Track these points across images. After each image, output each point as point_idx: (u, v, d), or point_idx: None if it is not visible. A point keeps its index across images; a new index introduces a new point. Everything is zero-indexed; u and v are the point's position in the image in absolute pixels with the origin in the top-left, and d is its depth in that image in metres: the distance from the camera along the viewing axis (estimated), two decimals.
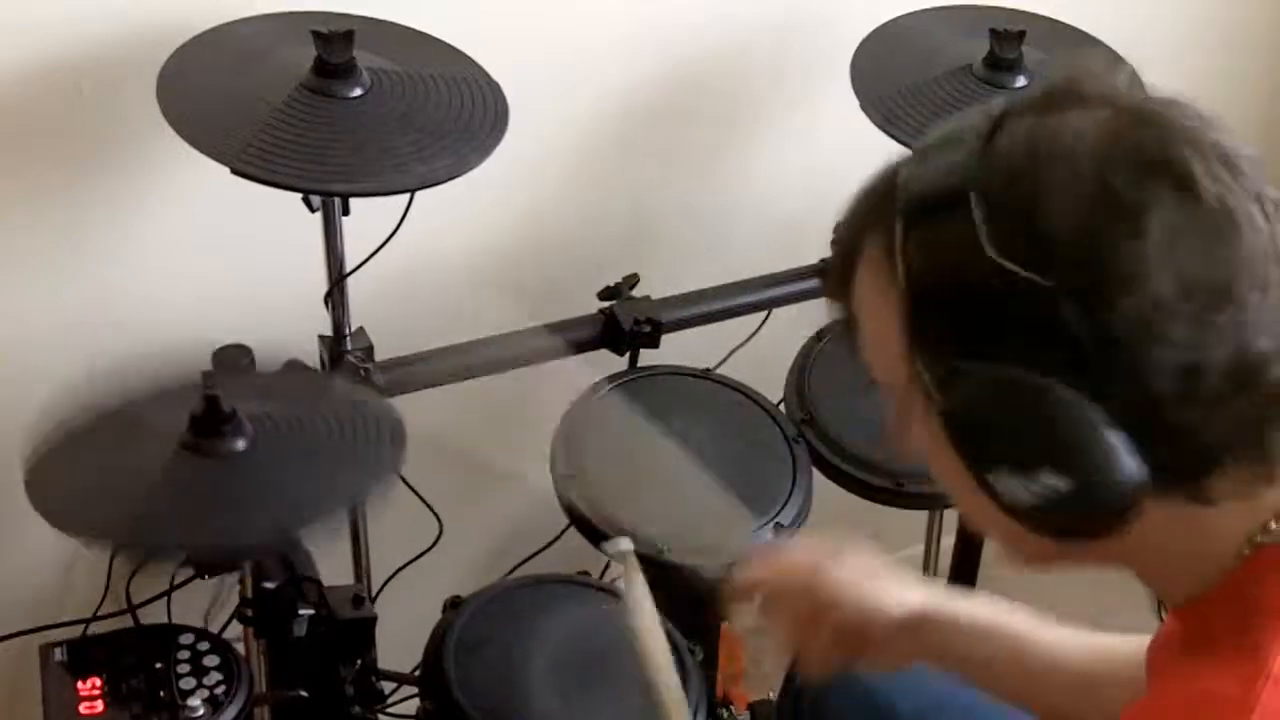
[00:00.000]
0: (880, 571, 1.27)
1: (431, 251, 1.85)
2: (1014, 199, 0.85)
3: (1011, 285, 0.83)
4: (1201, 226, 0.83)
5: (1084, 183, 0.83)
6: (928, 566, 2.21)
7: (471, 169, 1.50)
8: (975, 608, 1.26)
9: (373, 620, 1.55)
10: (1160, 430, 0.84)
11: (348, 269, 1.64)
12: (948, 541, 2.20)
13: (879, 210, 0.93)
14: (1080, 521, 0.89)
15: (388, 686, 1.69)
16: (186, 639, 1.48)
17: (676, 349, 1.84)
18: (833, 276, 0.99)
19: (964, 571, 2.20)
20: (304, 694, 1.55)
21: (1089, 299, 0.82)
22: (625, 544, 1.38)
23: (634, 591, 1.33)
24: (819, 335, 1.88)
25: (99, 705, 1.42)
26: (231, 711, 1.42)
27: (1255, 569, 0.90)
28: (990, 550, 2.23)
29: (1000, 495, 0.89)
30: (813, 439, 1.76)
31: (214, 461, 1.38)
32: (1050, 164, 0.85)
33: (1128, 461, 0.84)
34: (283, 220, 1.57)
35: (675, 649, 1.55)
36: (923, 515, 2.18)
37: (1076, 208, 0.83)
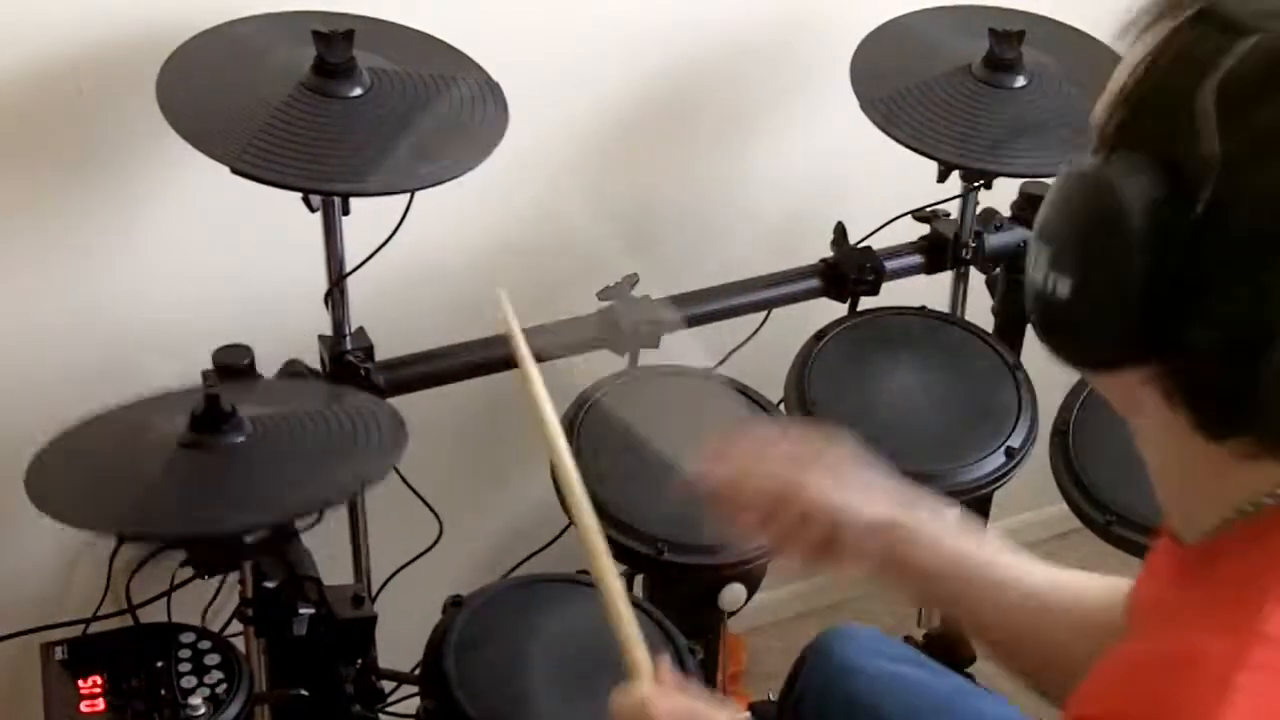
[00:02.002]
0: (856, 474, 1.26)
1: (431, 251, 1.85)
2: None
3: None
4: None
5: None
6: None
7: (471, 169, 1.51)
8: (943, 525, 1.25)
9: (373, 620, 1.56)
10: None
11: (348, 269, 1.64)
12: None
13: None
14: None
15: (388, 686, 1.69)
16: (187, 638, 1.48)
17: (676, 349, 1.84)
18: None
19: None
20: (304, 693, 1.55)
21: None
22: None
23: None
24: (819, 335, 1.88)
25: (100, 704, 1.42)
26: (232, 710, 1.42)
27: (1261, 526, 0.90)
28: None
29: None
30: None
31: (213, 455, 1.38)
32: None
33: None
34: (283, 220, 1.57)
35: (675, 649, 1.56)
36: None
37: None
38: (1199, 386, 0.86)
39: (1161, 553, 1.02)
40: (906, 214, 1.98)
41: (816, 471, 1.26)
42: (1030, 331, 2.10)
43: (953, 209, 1.96)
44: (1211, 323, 0.82)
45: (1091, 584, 1.23)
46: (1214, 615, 0.88)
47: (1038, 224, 0.91)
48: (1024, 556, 1.26)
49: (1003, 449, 1.77)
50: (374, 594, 1.86)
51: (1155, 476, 0.98)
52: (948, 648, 2.16)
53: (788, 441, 1.28)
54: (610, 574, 1.22)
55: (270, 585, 1.51)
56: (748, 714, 1.22)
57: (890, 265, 1.93)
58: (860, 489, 1.26)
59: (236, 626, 1.59)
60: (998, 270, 2.03)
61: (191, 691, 1.43)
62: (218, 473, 1.38)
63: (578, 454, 1.67)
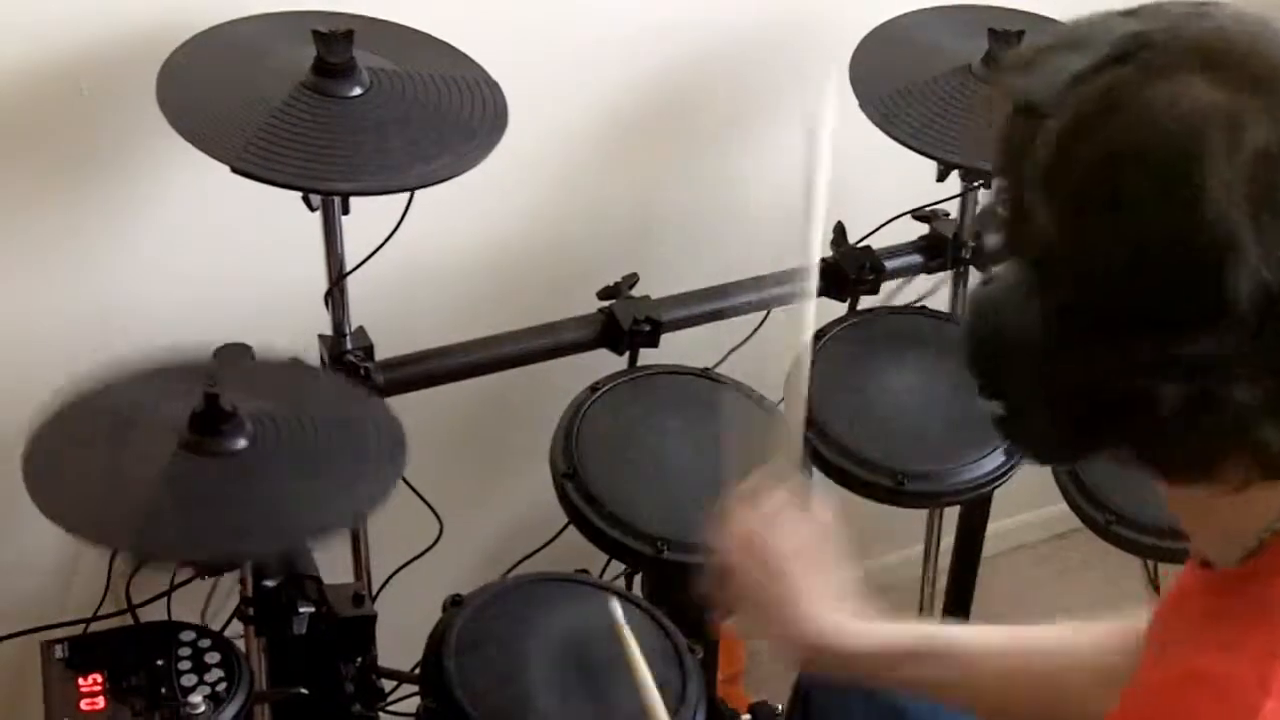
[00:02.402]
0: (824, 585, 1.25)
1: (431, 251, 1.85)
2: None
3: None
4: None
5: None
6: (927, 566, 2.21)
7: (471, 169, 1.51)
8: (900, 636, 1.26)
9: (373, 618, 1.56)
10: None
11: (348, 269, 1.65)
12: (947, 541, 2.20)
13: None
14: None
15: (388, 685, 1.69)
16: (187, 636, 1.48)
17: (676, 349, 1.84)
18: None
19: (964, 571, 2.21)
20: (304, 692, 1.55)
21: None
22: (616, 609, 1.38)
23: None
24: (819, 335, 1.88)
25: (100, 702, 1.42)
26: (232, 709, 1.42)
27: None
28: (990, 549, 2.24)
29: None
30: (813, 439, 1.76)
31: (214, 461, 1.39)
32: None
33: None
34: (283, 220, 1.57)
35: (675, 649, 1.56)
36: (922, 515, 2.18)
37: None
38: (1143, 450, 0.89)
39: (1190, 574, 1.03)
40: (906, 214, 1.98)
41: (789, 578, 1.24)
42: None
43: (952, 209, 1.96)
44: (1107, 393, 0.86)
45: (1040, 634, 1.24)
46: (1241, 638, 0.88)
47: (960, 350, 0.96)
48: (976, 628, 1.28)
49: (1002, 449, 1.77)
50: (374, 593, 1.86)
51: (1176, 516, 0.99)
52: None
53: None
54: None
55: (270, 584, 1.51)
56: None
57: (890, 265, 1.93)
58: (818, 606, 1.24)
59: (236, 626, 1.59)
60: None
61: (191, 690, 1.43)
62: (217, 492, 1.38)
63: (578, 453, 1.68)
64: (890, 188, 1.94)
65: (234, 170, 1.43)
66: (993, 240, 0.91)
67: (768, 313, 1.92)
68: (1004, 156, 0.89)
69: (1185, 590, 1.04)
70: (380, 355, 1.70)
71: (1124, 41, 0.85)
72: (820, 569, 1.23)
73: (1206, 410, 0.83)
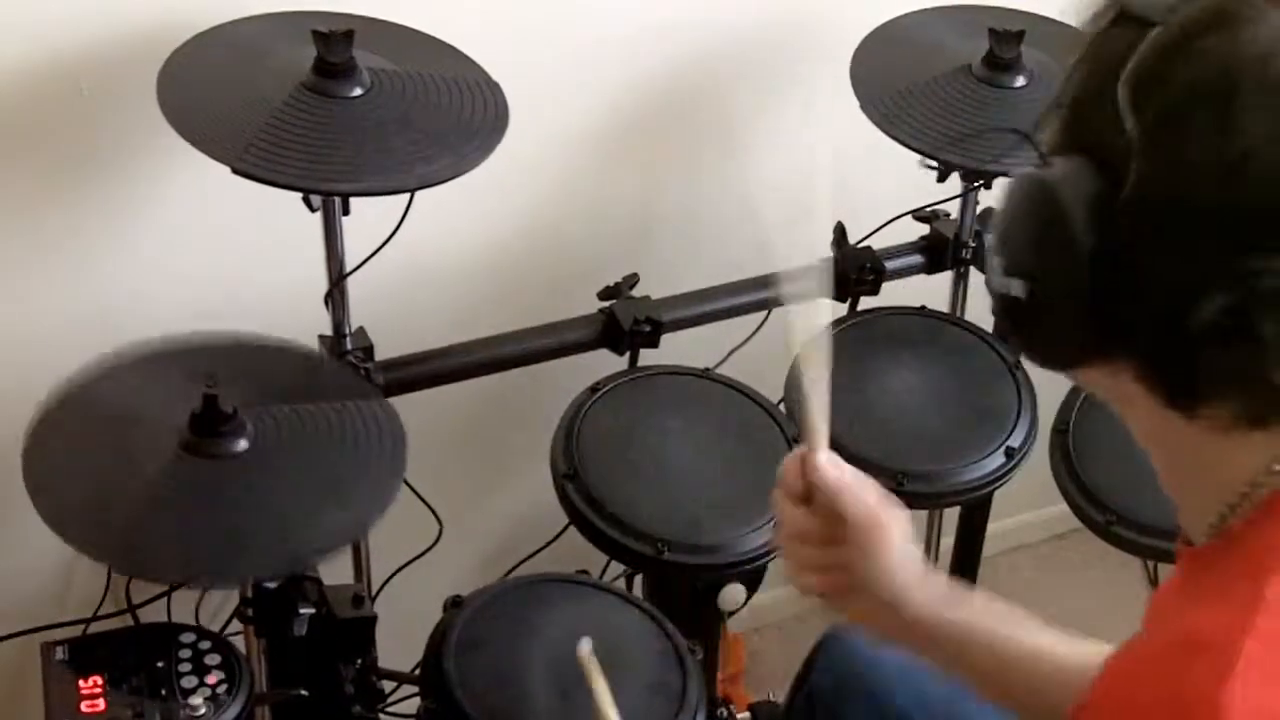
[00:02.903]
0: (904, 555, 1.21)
1: (431, 251, 1.85)
2: None
3: None
4: None
5: None
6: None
7: (471, 169, 1.51)
8: (974, 607, 1.23)
9: (373, 619, 1.56)
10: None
11: (348, 269, 1.65)
12: (947, 541, 2.20)
13: None
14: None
15: (388, 686, 1.69)
16: (188, 638, 1.48)
17: (676, 349, 1.84)
18: None
19: (964, 571, 2.21)
20: (304, 693, 1.55)
21: None
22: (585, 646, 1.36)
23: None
24: None
25: (100, 703, 1.42)
26: (232, 710, 1.42)
27: (1262, 511, 0.91)
28: (990, 549, 2.24)
29: None
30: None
31: (214, 465, 1.39)
32: None
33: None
34: (283, 220, 1.57)
35: (675, 649, 1.56)
36: (922, 515, 2.18)
37: None
38: (1154, 361, 0.89)
39: (1180, 559, 1.03)
40: (906, 214, 1.98)
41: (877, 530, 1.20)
42: None
43: (953, 209, 1.96)
44: (1148, 295, 0.86)
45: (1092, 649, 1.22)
46: (1223, 598, 0.88)
47: (990, 235, 0.96)
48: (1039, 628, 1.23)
49: (1003, 449, 1.77)
50: (374, 594, 1.86)
51: (1159, 472, 0.99)
52: None
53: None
54: None
55: (270, 585, 1.51)
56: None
57: (890, 265, 1.93)
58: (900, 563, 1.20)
59: (236, 626, 1.59)
60: None
61: (192, 691, 1.43)
62: (217, 499, 1.39)
63: (578, 454, 1.68)
64: (890, 188, 1.94)
65: (234, 171, 1.42)
66: (1052, 132, 0.92)
67: (768, 313, 1.92)
68: (1092, 59, 0.89)
69: (1174, 576, 1.05)
70: (380, 355, 1.70)
71: None
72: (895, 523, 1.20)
73: (1236, 334, 0.83)
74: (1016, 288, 0.92)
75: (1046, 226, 0.89)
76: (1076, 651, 1.19)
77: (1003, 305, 0.94)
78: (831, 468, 1.17)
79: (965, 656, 1.21)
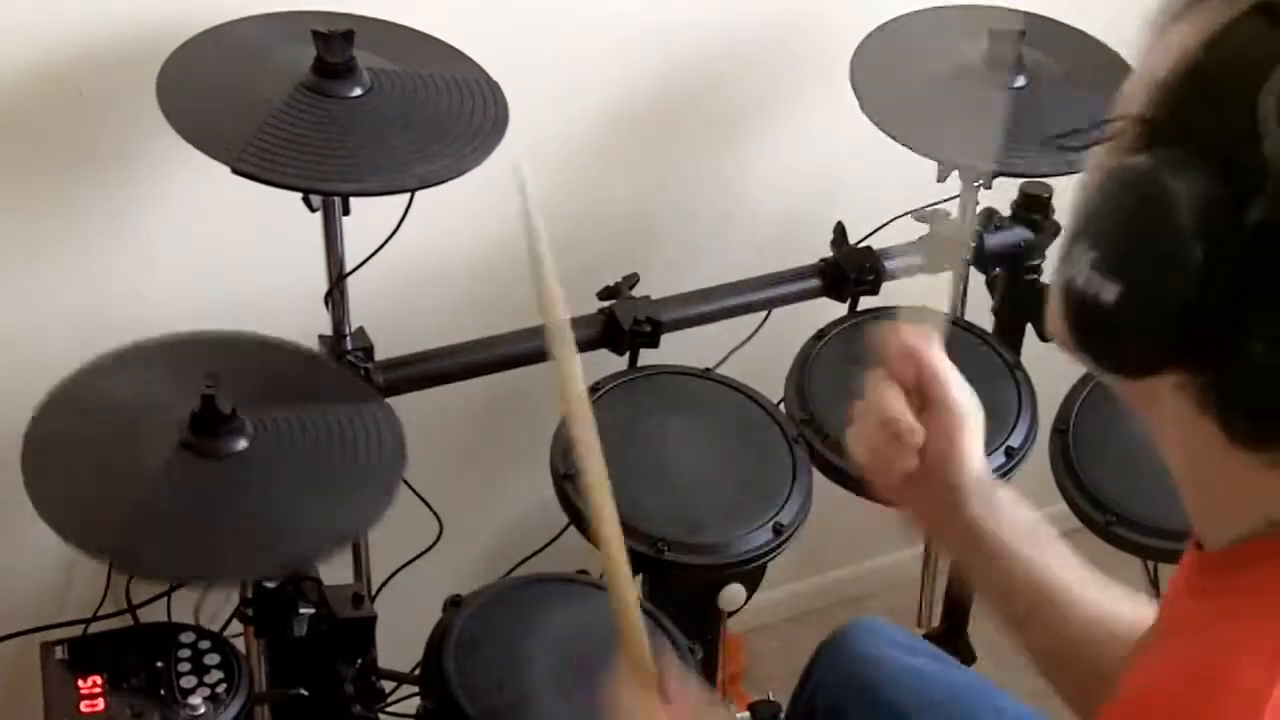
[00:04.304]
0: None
1: (431, 251, 1.85)
2: None
3: None
4: None
5: None
6: (927, 566, 2.21)
7: (471, 169, 1.51)
8: (1022, 524, 1.22)
9: (373, 619, 1.56)
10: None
11: (348, 269, 1.65)
12: None
13: None
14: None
15: (388, 686, 1.69)
16: (187, 638, 1.48)
17: (676, 349, 1.84)
18: None
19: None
20: (304, 693, 1.55)
21: None
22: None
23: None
24: (819, 335, 1.88)
25: (100, 703, 1.42)
26: (232, 710, 1.42)
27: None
28: None
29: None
30: (813, 439, 1.76)
31: (213, 464, 1.39)
32: None
33: None
34: (283, 220, 1.57)
35: (675, 649, 1.56)
36: None
37: None
38: (1238, 396, 0.84)
39: (1189, 558, 1.01)
40: (906, 214, 1.98)
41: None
42: (1030, 331, 2.11)
43: (953, 209, 1.96)
44: (1261, 333, 0.81)
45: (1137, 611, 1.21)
46: (1245, 629, 0.86)
47: (1075, 223, 0.88)
48: (1081, 571, 1.22)
49: (1003, 449, 1.77)
50: (374, 594, 1.86)
51: (1179, 480, 0.95)
52: (948, 647, 2.16)
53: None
54: (618, 549, 1.19)
55: (270, 585, 1.51)
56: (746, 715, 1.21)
57: (890, 265, 1.93)
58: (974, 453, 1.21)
59: (236, 626, 1.59)
60: (997, 270, 2.03)
61: (191, 691, 1.43)
62: (216, 498, 1.38)
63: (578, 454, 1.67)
64: (890, 188, 1.94)
65: (234, 171, 1.43)
66: (1154, 125, 0.84)
67: (768, 313, 1.92)
68: (1222, 49, 0.82)
69: (1184, 575, 1.03)
70: (380, 355, 1.70)
71: None
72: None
73: None
74: (1105, 288, 0.85)
75: (1155, 229, 0.82)
76: (1122, 620, 1.18)
77: (1078, 304, 0.87)
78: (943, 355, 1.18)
79: (1007, 581, 1.21)
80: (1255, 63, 0.80)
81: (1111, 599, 1.21)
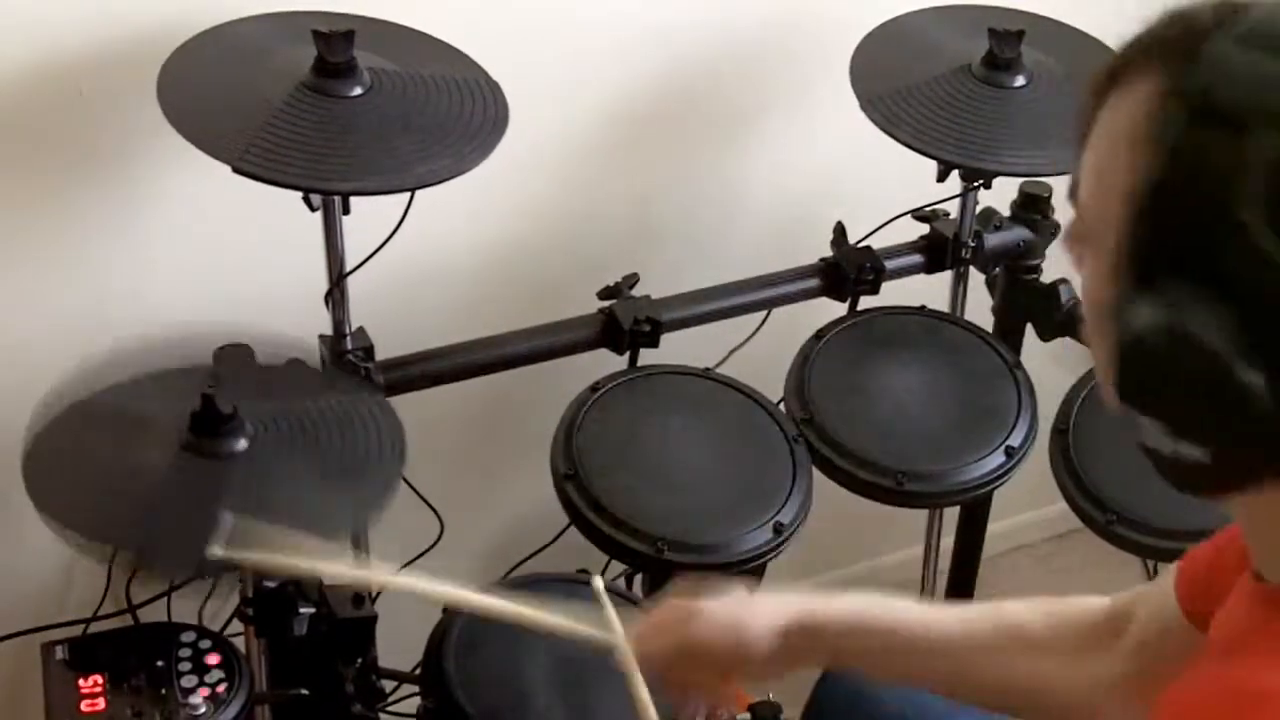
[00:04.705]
0: (744, 599, 1.27)
1: (431, 251, 1.85)
2: None
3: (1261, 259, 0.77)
4: None
5: None
6: (927, 566, 2.21)
7: (471, 169, 1.51)
8: (843, 604, 1.26)
9: (373, 619, 1.56)
10: None
11: (348, 269, 1.65)
12: (947, 541, 2.20)
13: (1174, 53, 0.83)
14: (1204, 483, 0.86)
15: (388, 685, 1.69)
16: (188, 637, 1.49)
17: (676, 349, 1.84)
18: (1096, 74, 0.89)
19: (964, 571, 2.21)
20: (305, 692, 1.56)
21: None
22: (597, 582, 1.39)
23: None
24: (819, 335, 1.88)
25: (100, 703, 1.42)
26: (232, 709, 1.43)
27: None
28: (990, 549, 2.24)
29: (1138, 430, 0.86)
30: (813, 439, 1.76)
31: (214, 463, 1.39)
32: None
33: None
34: (283, 220, 1.57)
35: None
36: (923, 515, 2.18)
37: None
38: None
39: (1242, 586, 1.01)
40: (906, 214, 1.98)
41: (702, 618, 1.26)
42: (1030, 331, 2.11)
43: (952, 209, 1.96)
44: None
45: (983, 613, 1.25)
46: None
47: (1122, 392, 0.86)
48: (923, 606, 1.27)
49: (1003, 449, 1.77)
50: (374, 594, 1.86)
51: (1242, 521, 0.96)
52: None
53: (666, 611, 1.29)
54: None
55: (270, 585, 1.51)
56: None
57: (890, 265, 1.93)
58: (749, 610, 1.26)
59: (236, 626, 1.59)
60: (997, 270, 2.03)
61: (192, 691, 1.43)
62: (217, 493, 1.38)
63: (578, 453, 1.68)
64: (890, 188, 1.94)
65: (235, 170, 1.43)
66: (1132, 258, 0.82)
67: (768, 313, 1.92)
68: (1188, 174, 0.80)
69: (1237, 602, 1.02)
70: (380, 355, 1.70)
71: None
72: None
73: None
74: (1190, 450, 0.83)
75: (1207, 383, 0.80)
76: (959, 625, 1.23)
77: (1173, 466, 0.86)
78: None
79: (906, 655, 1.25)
80: (1218, 176, 0.78)
81: (997, 613, 1.25)
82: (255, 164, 1.43)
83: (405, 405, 1.57)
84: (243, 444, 1.42)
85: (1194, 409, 0.82)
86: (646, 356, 1.83)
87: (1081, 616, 1.23)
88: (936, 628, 1.24)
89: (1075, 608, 1.23)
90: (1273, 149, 0.77)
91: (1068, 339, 1.93)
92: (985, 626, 1.24)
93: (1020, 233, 1.98)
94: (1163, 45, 0.84)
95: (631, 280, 1.82)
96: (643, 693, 1.25)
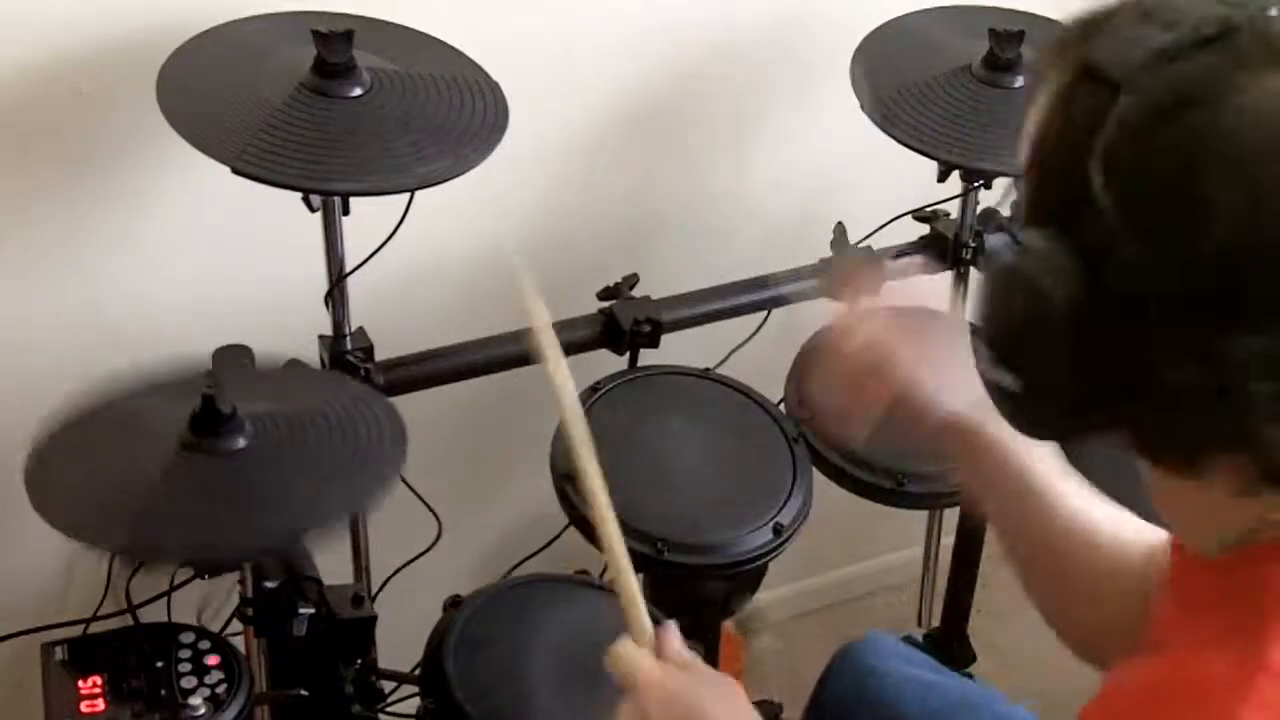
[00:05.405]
0: (950, 358, 1.24)
1: (431, 251, 1.85)
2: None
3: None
4: None
5: None
6: (927, 566, 2.21)
7: (471, 169, 1.51)
8: (1011, 443, 1.26)
9: (373, 619, 1.56)
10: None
11: (348, 269, 1.64)
12: (948, 541, 2.20)
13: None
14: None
15: (388, 686, 1.69)
16: (187, 638, 1.48)
17: (676, 349, 1.84)
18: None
19: (964, 571, 2.21)
20: (304, 693, 1.55)
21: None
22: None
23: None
24: (818, 335, 1.88)
25: (100, 704, 1.42)
26: (232, 710, 1.42)
27: (1260, 553, 0.90)
28: (990, 549, 2.24)
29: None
30: (813, 439, 1.76)
31: (214, 460, 1.39)
32: None
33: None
34: (283, 220, 1.57)
35: None
36: (923, 515, 2.18)
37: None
38: (1142, 437, 0.90)
39: (1178, 562, 1.02)
40: (906, 214, 1.98)
41: (909, 349, 1.25)
42: None
43: (953, 209, 1.96)
44: (1134, 378, 0.84)
45: (1130, 537, 1.27)
46: (1222, 638, 0.87)
47: (976, 318, 0.94)
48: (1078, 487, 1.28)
49: None
50: (374, 594, 1.86)
51: (1155, 504, 0.99)
52: (948, 647, 2.16)
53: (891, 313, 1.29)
54: (611, 524, 1.23)
55: (270, 585, 1.51)
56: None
57: (890, 265, 1.93)
58: (947, 376, 1.24)
59: (236, 626, 1.59)
60: None
61: (191, 691, 1.43)
62: (217, 491, 1.38)
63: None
64: (890, 188, 1.94)
65: (234, 171, 1.42)
66: (1025, 206, 0.89)
67: (768, 313, 1.92)
68: (1060, 124, 0.86)
69: (1174, 579, 1.04)
70: (380, 355, 1.70)
71: (1208, 24, 0.82)
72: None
73: (1225, 401, 0.82)
74: (1008, 380, 0.91)
75: (1030, 321, 0.87)
76: (1101, 532, 1.26)
77: (995, 392, 0.93)
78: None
79: (990, 476, 1.27)
80: (1082, 128, 0.83)
81: (1089, 508, 1.28)
82: (255, 165, 1.43)
83: (405, 405, 1.57)
84: (242, 444, 1.42)
85: (1011, 338, 0.90)
86: (646, 357, 1.83)
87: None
88: (1065, 510, 1.28)
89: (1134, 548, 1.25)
90: (1131, 108, 0.82)
91: None
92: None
93: None
94: (1091, 22, 0.89)
95: (631, 280, 1.82)
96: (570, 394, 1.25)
